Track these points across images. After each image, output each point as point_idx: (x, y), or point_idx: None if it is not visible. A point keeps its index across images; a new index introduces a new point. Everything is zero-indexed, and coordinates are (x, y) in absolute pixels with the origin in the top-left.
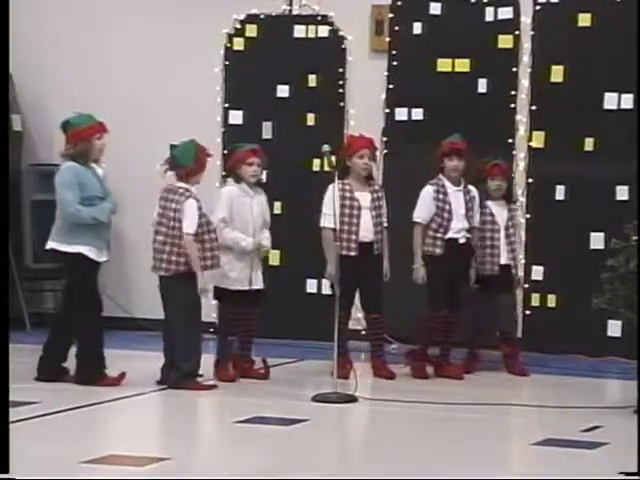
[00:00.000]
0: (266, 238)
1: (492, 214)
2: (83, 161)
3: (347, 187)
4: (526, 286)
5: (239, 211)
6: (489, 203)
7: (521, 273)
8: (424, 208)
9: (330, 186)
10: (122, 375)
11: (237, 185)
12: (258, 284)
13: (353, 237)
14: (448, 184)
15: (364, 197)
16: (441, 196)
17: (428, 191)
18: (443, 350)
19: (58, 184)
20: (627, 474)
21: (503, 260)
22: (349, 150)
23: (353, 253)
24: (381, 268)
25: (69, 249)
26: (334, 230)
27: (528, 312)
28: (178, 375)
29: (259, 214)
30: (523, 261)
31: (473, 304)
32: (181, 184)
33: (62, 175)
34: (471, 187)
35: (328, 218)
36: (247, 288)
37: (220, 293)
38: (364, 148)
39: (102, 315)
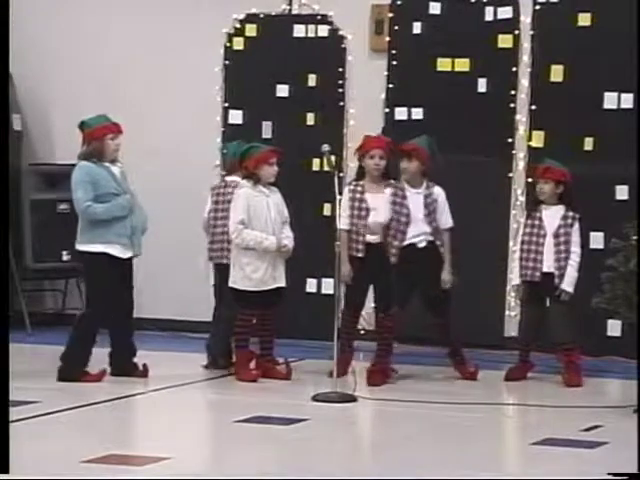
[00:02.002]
0: (287, 237)
1: (540, 219)
2: (97, 160)
3: (359, 188)
4: None
5: (256, 211)
6: (542, 207)
7: (568, 287)
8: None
9: (347, 187)
10: (103, 372)
11: (253, 186)
12: (279, 282)
13: (360, 238)
14: (407, 187)
15: (377, 198)
16: (399, 200)
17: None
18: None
19: (72, 184)
20: (615, 475)
21: (546, 268)
22: (361, 150)
23: (360, 254)
24: (387, 268)
25: (92, 249)
26: (348, 232)
27: None
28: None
29: (277, 212)
30: (575, 274)
31: (523, 310)
32: (232, 177)
33: (75, 175)
34: (435, 189)
35: (341, 220)
36: (269, 287)
37: (240, 295)
38: (375, 148)
39: (127, 314)
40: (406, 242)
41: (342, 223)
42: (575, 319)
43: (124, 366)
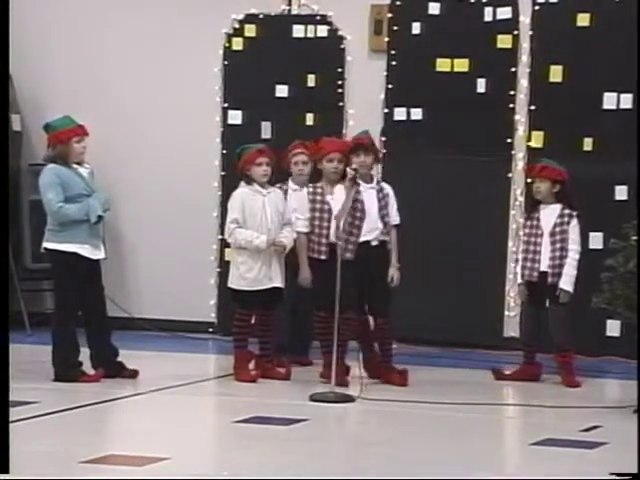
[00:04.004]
0: (284, 236)
1: (538, 218)
2: (63, 163)
3: (319, 190)
4: None
5: (252, 211)
6: (540, 206)
7: (567, 286)
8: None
9: (303, 189)
10: (102, 373)
11: (248, 186)
12: (275, 282)
13: (323, 240)
14: (360, 182)
15: (334, 200)
16: (354, 195)
17: (340, 189)
18: (385, 355)
19: (41, 186)
20: (618, 475)
21: (543, 267)
22: (319, 153)
23: (323, 257)
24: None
25: (63, 248)
26: (307, 234)
27: None
28: None
29: (274, 212)
30: (574, 272)
31: (523, 310)
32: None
33: (44, 177)
34: (385, 184)
35: (300, 223)
36: (266, 287)
37: (237, 295)
38: (334, 152)
39: (100, 315)
40: (362, 238)
41: (301, 226)
42: (572, 321)
43: (109, 367)
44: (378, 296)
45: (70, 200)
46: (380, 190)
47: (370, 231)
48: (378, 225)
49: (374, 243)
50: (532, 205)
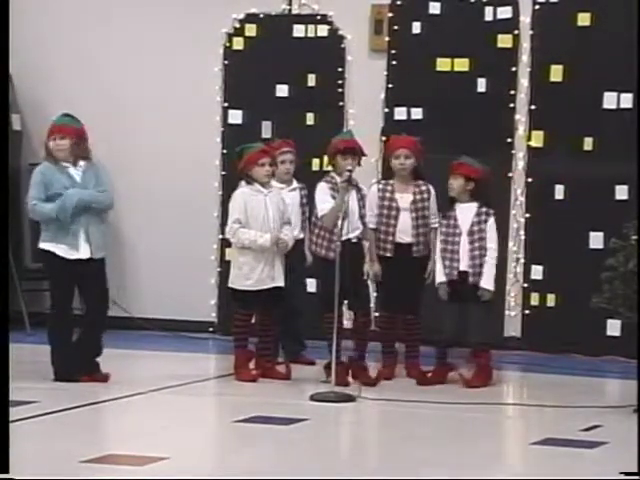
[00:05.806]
0: (284, 234)
1: (455, 217)
2: (52, 160)
3: (388, 187)
4: (525, 285)
5: (253, 211)
6: (456, 205)
7: (488, 285)
8: (328, 204)
9: (375, 186)
10: (105, 375)
11: (249, 186)
12: (277, 282)
13: (390, 238)
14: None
15: (404, 198)
16: (337, 194)
17: (322, 187)
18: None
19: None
20: (627, 474)
21: (463, 267)
22: (387, 151)
23: (389, 254)
24: (417, 270)
25: (44, 247)
26: (375, 230)
27: (527, 312)
28: None
29: (275, 211)
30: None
31: (443, 309)
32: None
33: (33, 175)
34: (361, 185)
35: (368, 218)
36: (268, 286)
37: (238, 295)
38: (400, 148)
39: (91, 314)
40: (343, 237)
41: (370, 222)
42: (492, 319)
43: (87, 364)
44: (358, 293)
45: (50, 199)
46: (359, 191)
47: (352, 230)
48: (359, 225)
49: (354, 241)
50: (449, 203)
